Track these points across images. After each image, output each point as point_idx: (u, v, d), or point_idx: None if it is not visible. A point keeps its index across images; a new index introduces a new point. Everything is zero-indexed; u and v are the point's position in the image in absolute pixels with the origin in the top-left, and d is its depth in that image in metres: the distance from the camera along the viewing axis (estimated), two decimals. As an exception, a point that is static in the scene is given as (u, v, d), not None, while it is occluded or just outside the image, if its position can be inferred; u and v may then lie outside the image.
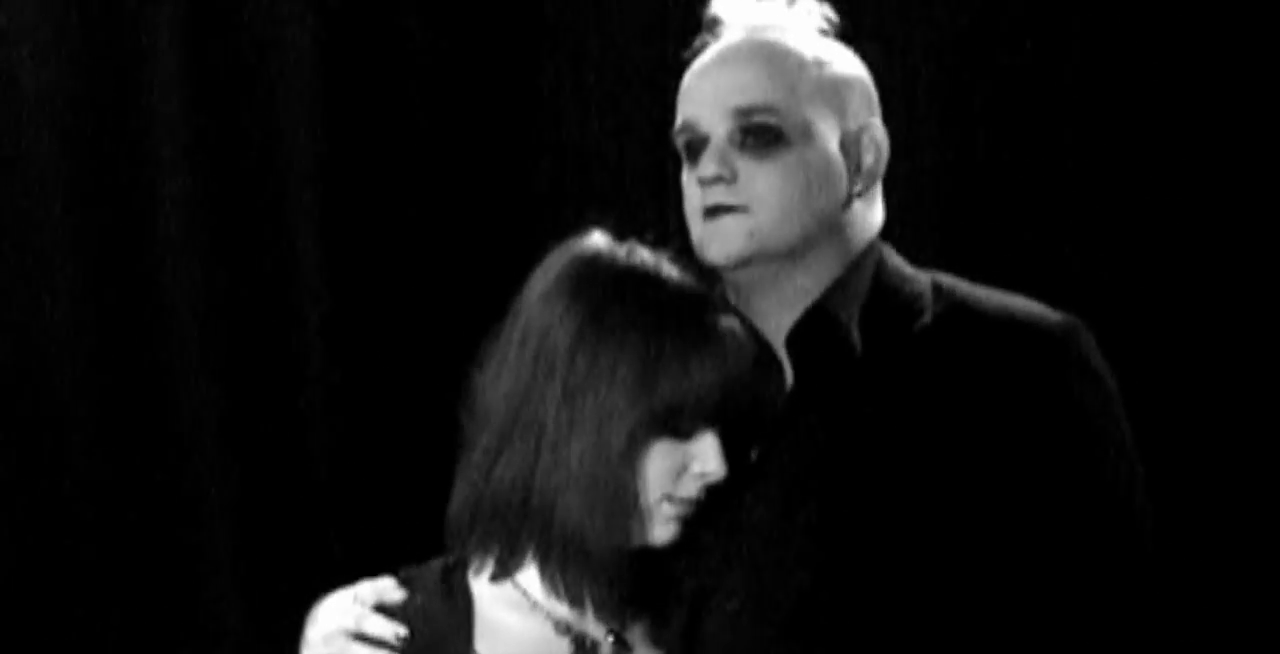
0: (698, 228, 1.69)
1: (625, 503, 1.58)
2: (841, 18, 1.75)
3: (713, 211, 1.67)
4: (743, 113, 1.66)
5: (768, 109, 1.66)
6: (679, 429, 1.58)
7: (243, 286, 2.52)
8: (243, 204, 2.52)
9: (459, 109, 2.59)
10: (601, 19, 2.50)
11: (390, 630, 1.62)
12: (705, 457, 1.59)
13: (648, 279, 1.61)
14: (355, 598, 1.65)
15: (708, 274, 1.68)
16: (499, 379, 1.63)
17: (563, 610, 1.63)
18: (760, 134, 1.66)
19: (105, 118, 2.48)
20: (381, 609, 1.64)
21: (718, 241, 1.66)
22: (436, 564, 1.68)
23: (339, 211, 2.55)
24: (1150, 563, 1.65)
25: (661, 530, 1.60)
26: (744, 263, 1.66)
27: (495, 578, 1.64)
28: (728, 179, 1.66)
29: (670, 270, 1.62)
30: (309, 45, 2.50)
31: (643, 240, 1.66)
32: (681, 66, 1.75)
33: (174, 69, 2.46)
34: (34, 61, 2.45)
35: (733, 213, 1.66)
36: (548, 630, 1.63)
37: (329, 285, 2.53)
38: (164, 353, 2.48)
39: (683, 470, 1.60)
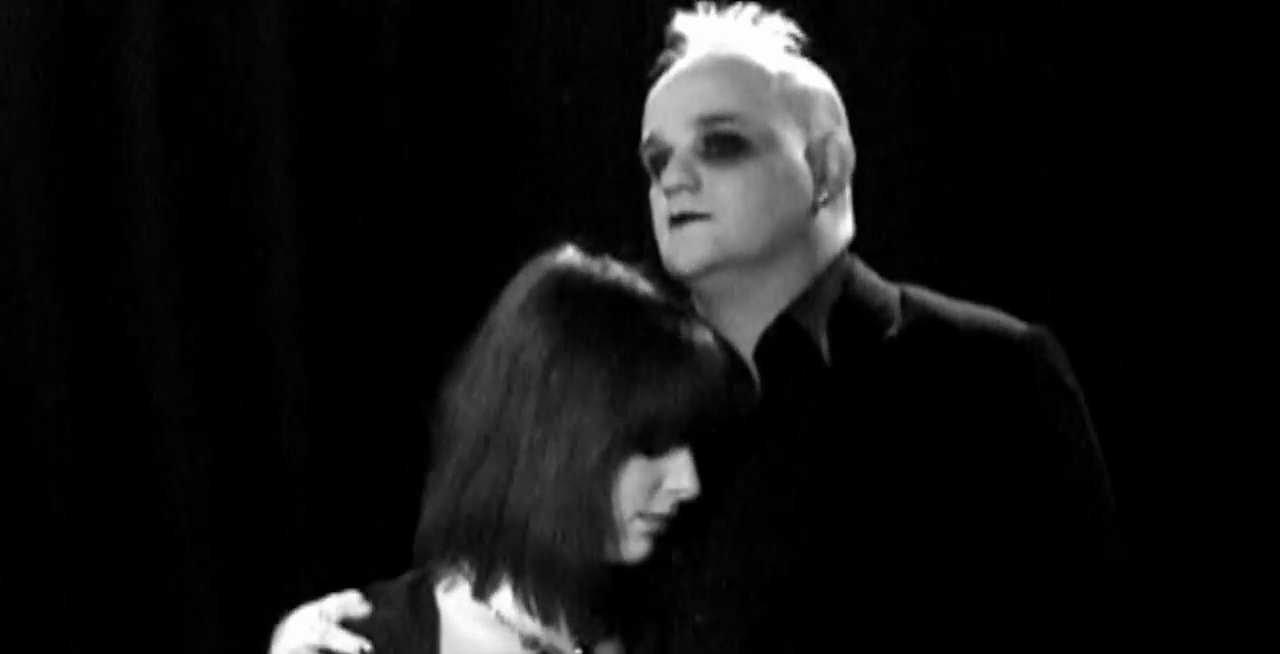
0: (665, 238, 1.70)
1: (599, 520, 1.57)
2: (809, 34, 1.76)
3: (678, 220, 1.68)
4: (705, 121, 1.68)
5: (730, 117, 1.67)
6: (653, 447, 1.58)
7: (217, 297, 2.52)
8: (218, 215, 2.53)
9: (433, 126, 2.59)
10: (574, 35, 2.51)
11: (354, 645, 1.61)
12: (678, 474, 1.59)
13: (622, 296, 1.61)
14: (321, 613, 1.65)
15: (680, 290, 1.69)
16: (472, 396, 1.63)
17: (531, 626, 1.63)
18: (723, 142, 1.67)
19: (79, 123, 2.49)
20: (347, 624, 1.63)
21: (684, 249, 1.67)
22: (404, 579, 1.68)
23: (315, 225, 2.55)
24: (1119, 571, 1.64)
25: (634, 547, 1.60)
26: (710, 270, 1.67)
27: (475, 597, 1.63)
28: (691, 187, 1.67)
29: (644, 287, 1.62)
30: (285, 68, 2.52)
31: (616, 256, 1.66)
32: (649, 84, 1.76)
33: (148, 84, 2.47)
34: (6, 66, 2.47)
35: (697, 220, 1.67)
36: (515, 646, 1.63)
37: (305, 298, 2.53)
38: (139, 374, 2.48)
39: (656, 487, 1.59)
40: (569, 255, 1.65)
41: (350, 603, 1.65)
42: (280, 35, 2.48)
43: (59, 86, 2.48)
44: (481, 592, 1.62)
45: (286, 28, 2.48)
